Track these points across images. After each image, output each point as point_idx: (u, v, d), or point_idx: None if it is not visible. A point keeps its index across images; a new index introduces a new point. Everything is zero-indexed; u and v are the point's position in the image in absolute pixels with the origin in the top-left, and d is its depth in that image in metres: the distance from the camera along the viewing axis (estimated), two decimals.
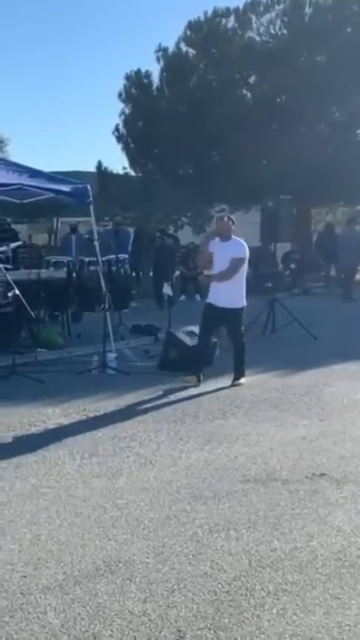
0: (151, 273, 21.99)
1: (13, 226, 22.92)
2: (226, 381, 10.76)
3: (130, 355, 12.88)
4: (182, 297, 22.64)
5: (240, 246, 10.42)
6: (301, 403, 9.55)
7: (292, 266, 25.81)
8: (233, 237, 10.45)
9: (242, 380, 10.63)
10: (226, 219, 10.66)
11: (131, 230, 24.66)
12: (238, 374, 10.67)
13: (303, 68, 29.32)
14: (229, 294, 10.34)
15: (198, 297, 22.87)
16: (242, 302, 10.50)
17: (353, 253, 22.53)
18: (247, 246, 10.50)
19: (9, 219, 22.24)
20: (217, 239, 10.48)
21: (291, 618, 4.22)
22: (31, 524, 5.55)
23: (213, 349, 11.99)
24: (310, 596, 4.48)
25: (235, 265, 10.31)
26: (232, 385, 10.47)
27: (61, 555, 5.02)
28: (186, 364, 11.12)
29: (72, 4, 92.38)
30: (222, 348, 11.74)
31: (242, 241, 10.50)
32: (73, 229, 21.91)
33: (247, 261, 10.49)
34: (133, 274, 21.59)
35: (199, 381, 10.53)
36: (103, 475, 6.71)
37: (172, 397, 9.72)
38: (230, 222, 10.52)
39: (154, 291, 19.94)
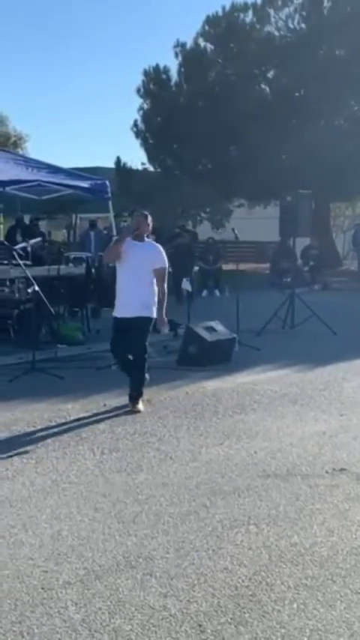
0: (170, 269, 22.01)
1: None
2: (246, 376, 10.78)
3: (149, 351, 12.86)
4: (204, 293, 22.65)
5: (160, 252, 9.11)
6: (320, 398, 9.54)
7: (311, 263, 25.79)
8: (146, 238, 9.20)
9: (140, 405, 8.96)
10: (148, 217, 9.08)
11: None
12: (136, 395, 9.03)
13: (322, 62, 29.25)
14: (138, 301, 8.86)
15: (217, 292, 22.89)
16: (151, 312, 8.94)
17: None
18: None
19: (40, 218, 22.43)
20: (129, 238, 8.99)
21: (312, 613, 4.22)
22: (51, 520, 5.58)
23: (232, 345, 11.99)
24: (331, 590, 4.48)
25: (163, 278, 9.04)
26: (131, 411, 8.85)
27: (81, 550, 5.04)
28: (205, 359, 11.14)
29: (86, 0, 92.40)
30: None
31: (157, 245, 9.32)
32: (92, 225, 21.95)
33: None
34: None
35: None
36: (123, 470, 6.73)
37: (192, 392, 9.72)
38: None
39: (173, 286, 19.92)
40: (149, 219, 9.07)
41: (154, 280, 8.98)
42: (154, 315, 8.97)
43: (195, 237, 24.57)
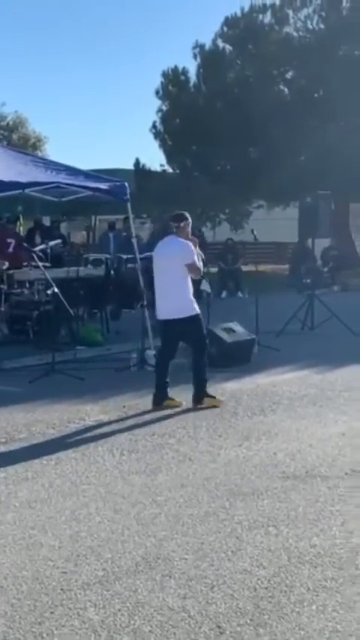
0: None
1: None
2: (265, 377, 10.76)
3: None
4: (224, 294, 22.62)
5: None
6: (340, 399, 9.51)
7: (331, 264, 25.76)
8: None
9: (207, 400, 9.18)
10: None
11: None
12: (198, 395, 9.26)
13: (341, 62, 29.15)
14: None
15: (239, 294, 22.83)
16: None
17: None
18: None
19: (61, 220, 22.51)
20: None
21: (331, 614, 4.20)
22: (70, 521, 5.59)
23: (251, 346, 11.98)
24: (350, 592, 4.46)
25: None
26: (193, 407, 9.11)
27: (100, 551, 5.04)
28: (224, 361, 11.12)
29: (106, 2, 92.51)
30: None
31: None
32: (111, 227, 21.96)
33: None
34: None
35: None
36: (142, 472, 6.74)
37: (211, 393, 9.71)
38: None
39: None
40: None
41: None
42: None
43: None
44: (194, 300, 9.22)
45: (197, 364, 9.28)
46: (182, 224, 9.21)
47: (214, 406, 9.08)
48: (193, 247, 9.12)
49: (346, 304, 17.63)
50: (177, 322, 9.06)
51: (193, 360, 9.38)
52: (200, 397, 9.15)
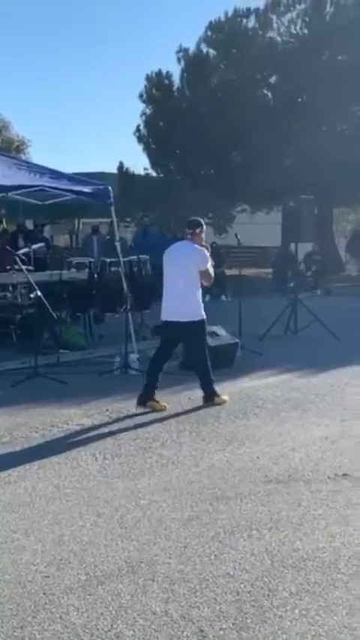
0: None
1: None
2: (249, 381, 10.78)
3: (152, 356, 12.86)
4: (207, 298, 22.59)
5: None
6: (323, 403, 9.53)
7: (314, 268, 25.81)
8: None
9: (217, 399, 9.44)
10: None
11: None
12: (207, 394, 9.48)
13: (324, 68, 29.26)
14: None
15: (223, 297, 22.83)
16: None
17: None
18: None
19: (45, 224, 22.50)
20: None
21: (313, 618, 4.21)
22: (53, 525, 5.57)
23: (234, 350, 11.98)
24: (333, 596, 4.47)
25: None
26: (204, 405, 9.34)
27: (83, 556, 5.03)
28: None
29: (91, 4, 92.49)
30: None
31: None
32: (95, 230, 21.95)
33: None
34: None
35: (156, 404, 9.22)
36: (125, 476, 6.73)
37: (194, 398, 9.71)
38: None
39: None
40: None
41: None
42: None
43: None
44: (202, 305, 9.37)
45: (199, 366, 9.47)
46: (197, 230, 9.41)
47: (223, 403, 9.39)
48: (208, 254, 9.27)
49: (329, 308, 17.69)
50: (182, 325, 9.21)
51: (194, 363, 9.64)
52: (210, 396, 9.39)
